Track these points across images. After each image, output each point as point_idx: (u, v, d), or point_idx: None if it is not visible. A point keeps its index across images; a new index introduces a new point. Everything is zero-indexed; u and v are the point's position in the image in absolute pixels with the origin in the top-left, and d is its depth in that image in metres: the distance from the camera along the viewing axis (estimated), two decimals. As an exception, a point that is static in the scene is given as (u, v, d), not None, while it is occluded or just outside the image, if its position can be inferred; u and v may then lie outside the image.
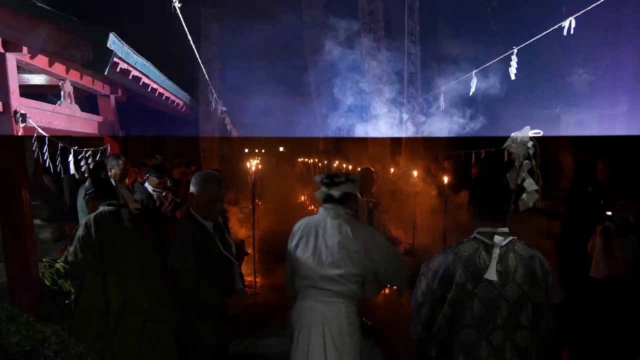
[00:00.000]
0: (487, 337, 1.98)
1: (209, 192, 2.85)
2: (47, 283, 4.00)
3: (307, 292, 2.78)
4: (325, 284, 2.72)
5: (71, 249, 3.01)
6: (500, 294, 1.98)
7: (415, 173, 7.65)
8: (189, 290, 2.77)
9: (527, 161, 2.02)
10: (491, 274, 1.97)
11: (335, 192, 2.79)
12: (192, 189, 2.89)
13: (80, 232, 3.00)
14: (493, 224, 2.06)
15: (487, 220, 2.08)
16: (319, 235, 2.77)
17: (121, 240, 3.03)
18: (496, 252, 2.00)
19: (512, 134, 2.06)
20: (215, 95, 11.47)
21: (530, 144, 2.01)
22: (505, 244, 2.02)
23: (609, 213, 4.52)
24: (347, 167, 12.04)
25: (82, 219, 4.21)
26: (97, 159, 5.08)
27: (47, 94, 4.92)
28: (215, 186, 2.88)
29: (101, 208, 3.12)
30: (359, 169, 7.75)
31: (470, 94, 5.98)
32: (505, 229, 2.06)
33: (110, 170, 4.71)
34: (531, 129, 2.02)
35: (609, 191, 5.20)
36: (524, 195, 2.03)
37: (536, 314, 2.00)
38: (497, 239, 2.01)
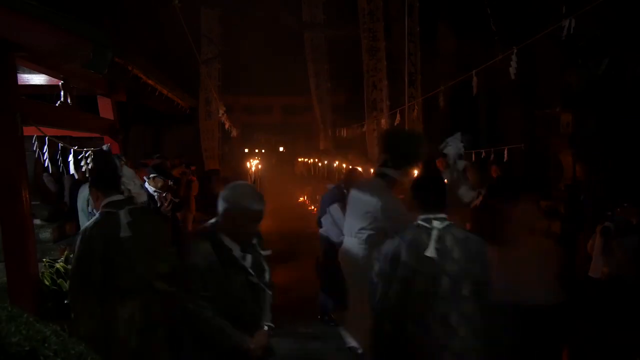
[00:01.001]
0: (433, 307, 2.33)
1: (248, 212, 2.28)
2: (47, 283, 3.99)
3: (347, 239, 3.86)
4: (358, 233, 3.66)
5: (70, 273, 2.84)
6: (441, 269, 2.34)
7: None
8: (198, 331, 2.28)
9: (460, 160, 2.45)
10: (431, 251, 2.33)
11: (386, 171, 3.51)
12: (223, 205, 2.30)
13: (76, 251, 2.79)
14: (432, 212, 2.45)
15: (427, 209, 2.48)
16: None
17: (118, 252, 2.72)
18: (434, 233, 2.37)
19: (447, 139, 2.52)
20: (215, 95, 11.46)
21: (460, 145, 2.47)
22: (443, 227, 2.39)
23: (609, 213, 4.53)
24: (347, 166, 12.06)
25: (83, 219, 4.21)
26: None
27: (47, 94, 4.91)
28: (257, 205, 2.31)
29: (96, 215, 2.89)
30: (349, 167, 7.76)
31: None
32: (443, 215, 2.44)
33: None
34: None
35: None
36: (460, 191, 2.44)
37: (475, 287, 2.35)
38: (435, 223, 2.41)
